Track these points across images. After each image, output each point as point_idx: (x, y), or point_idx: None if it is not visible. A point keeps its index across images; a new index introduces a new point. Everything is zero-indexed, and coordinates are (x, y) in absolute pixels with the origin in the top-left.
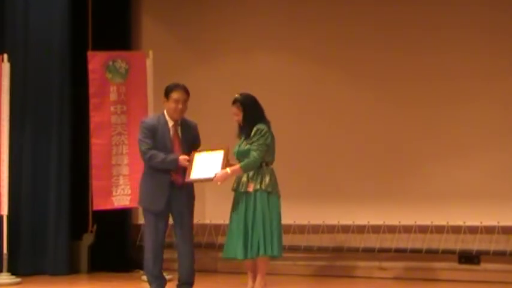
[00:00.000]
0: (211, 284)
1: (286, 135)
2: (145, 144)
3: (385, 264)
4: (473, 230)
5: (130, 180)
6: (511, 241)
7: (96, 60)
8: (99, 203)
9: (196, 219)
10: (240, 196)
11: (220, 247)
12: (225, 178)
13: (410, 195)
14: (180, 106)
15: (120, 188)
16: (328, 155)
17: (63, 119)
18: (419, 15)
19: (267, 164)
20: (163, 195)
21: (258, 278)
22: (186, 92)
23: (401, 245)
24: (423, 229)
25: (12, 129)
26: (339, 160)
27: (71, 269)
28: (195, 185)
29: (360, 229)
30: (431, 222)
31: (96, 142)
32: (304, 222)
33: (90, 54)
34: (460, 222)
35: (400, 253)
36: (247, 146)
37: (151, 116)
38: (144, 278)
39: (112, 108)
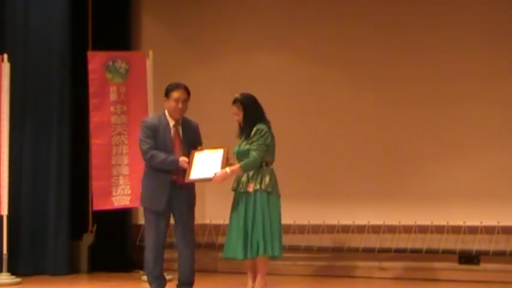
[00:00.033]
0: (211, 284)
1: (286, 135)
2: (146, 144)
3: (385, 264)
4: (473, 230)
5: (130, 180)
6: (511, 241)
7: (96, 60)
8: (99, 203)
9: (196, 219)
10: (240, 196)
11: (220, 247)
12: (224, 178)
13: (410, 195)
14: (180, 105)
15: (120, 188)
16: (328, 155)
17: (63, 119)
18: (419, 15)
19: (267, 164)
20: (164, 194)
21: (258, 278)
22: (187, 92)
23: (401, 245)
24: (423, 229)
25: (12, 129)
26: (339, 160)
27: (71, 269)
28: (196, 185)
29: (360, 229)
30: (431, 222)
31: (96, 142)
32: (304, 222)
33: (90, 54)
34: (460, 222)
35: (400, 253)
36: (247, 146)
37: (152, 116)
38: (144, 278)
39: (112, 108)
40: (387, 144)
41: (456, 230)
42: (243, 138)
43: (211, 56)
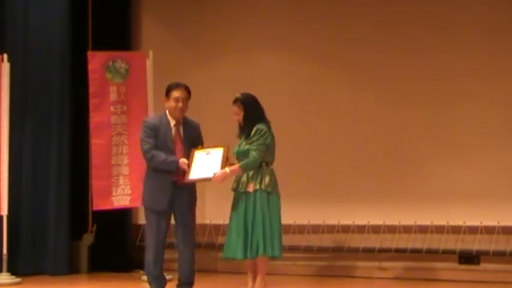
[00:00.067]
0: (211, 284)
1: (286, 135)
2: (147, 144)
3: (385, 264)
4: (473, 230)
5: (130, 180)
6: (511, 241)
7: (96, 60)
8: (99, 203)
9: (197, 219)
10: (239, 196)
11: (220, 247)
12: (224, 178)
13: (410, 195)
14: (180, 104)
15: (120, 188)
16: (328, 155)
17: (63, 119)
18: (419, 15)
19: (267, 164)
20: (166, 194)
21: (258, 278)
22: (187, 91)
23: (401, 245)
24: (423, 229)
25: (12, 129)
26: (339, 160)
27: (71, 269)
28: (196, 185)
29: (360, 229)
30: (431, 222)
31: (96, 142)
32: (304, 222)
33: (90, 54)
34: (460, 222)
35: (400, 253)
36: (247, 146)
37: (153, 116)
38: (144, 278)
39: (112, 108)
40: (387, 144)
41: (456, 230)
42: (243, 138)
43: (211, 56)
